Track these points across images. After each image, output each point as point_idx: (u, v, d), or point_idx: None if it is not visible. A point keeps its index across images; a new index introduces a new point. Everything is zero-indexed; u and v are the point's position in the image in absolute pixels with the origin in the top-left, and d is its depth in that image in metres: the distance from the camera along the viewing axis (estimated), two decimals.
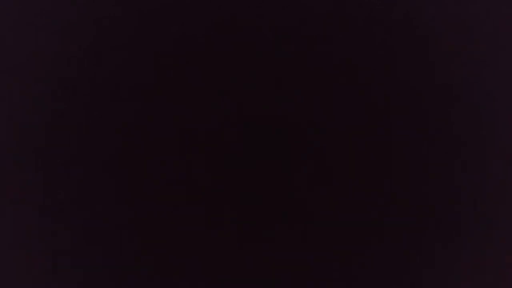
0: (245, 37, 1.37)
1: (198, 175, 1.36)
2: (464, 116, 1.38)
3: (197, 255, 1.35)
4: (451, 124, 1.38)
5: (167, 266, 1.35)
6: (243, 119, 1.36)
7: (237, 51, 1.37)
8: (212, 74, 1.37)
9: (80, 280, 1.35)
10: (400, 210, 1.36)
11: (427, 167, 1.37)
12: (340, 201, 1.36)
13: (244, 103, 1.36)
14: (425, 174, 1.37)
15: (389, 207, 1.36)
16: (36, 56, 1.37)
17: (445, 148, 1.37)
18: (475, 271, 1.36)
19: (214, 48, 1.38)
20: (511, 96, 1.39)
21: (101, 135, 1.36)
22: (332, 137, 1.36)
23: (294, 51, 1.37)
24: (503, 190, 1.37)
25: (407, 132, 1.37)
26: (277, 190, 1.36)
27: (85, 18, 1.38)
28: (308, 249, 1.35)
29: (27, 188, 1.36)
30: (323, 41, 1.37)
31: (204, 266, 1.35)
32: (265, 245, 1.35)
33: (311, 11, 1.38)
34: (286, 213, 1.35)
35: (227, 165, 1.36)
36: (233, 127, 1.36)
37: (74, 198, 1.36)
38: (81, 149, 1.36)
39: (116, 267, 1.35)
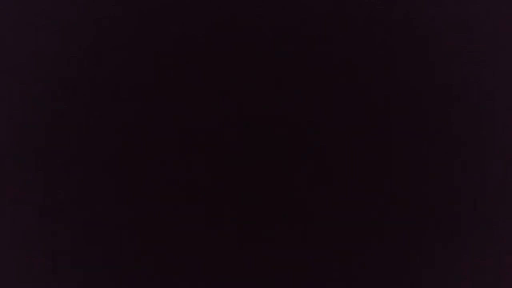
0: (245, 37, 1.37)
1: (198, 175, 1.36)
2: (464, 116, 1.38)
3: (197, 255, 1.35)
4: (451, 124, 1.38)
5: (167, 266, 1.35)
6: (243, 119, 1.36)
7: (237, 51, 1.37)
8: (212, 74, 1.37)
9: (80, 280, 1.35)
10: (400, 210, 1.36)
11: (427, 167, 1.37)
12: (340, 201, 1.36)
13: (244, 103, 1.36)
14: (425, 174, 1.37)
15: (389, 207, 1.36)
16: (36, 56, 1.37)
17: (445, 148, 1.37)
18: (475, 271, 1.36)
19: (214, 48, 1.38)
20: (511, 96, 1.39)
21: (101, 135, 1.36)
22: (332, 137, 1.36)
23: (294, 51, 1.37)
24: (503, 190, 1.37)
25: (407, 132, 1.37)
26: (277, 190, 1.36)
27: (85, 18, 1.38)
28: (308, 249, 1.35)
29: (27, 188, 1.36)
30: (323, 41, 1.37)
31: (204, 266, 1.35)
32: (265, 245, 1.35)
33: (311, 11, 1.38)
34: (286, 213, 1.35)
35: (227, 165, 1.36)
36: (233, 127, 1.36)
37: (74, 198, 1.36)
38: (81, 149, 1.36)
39: (116, 267, 1.35)
